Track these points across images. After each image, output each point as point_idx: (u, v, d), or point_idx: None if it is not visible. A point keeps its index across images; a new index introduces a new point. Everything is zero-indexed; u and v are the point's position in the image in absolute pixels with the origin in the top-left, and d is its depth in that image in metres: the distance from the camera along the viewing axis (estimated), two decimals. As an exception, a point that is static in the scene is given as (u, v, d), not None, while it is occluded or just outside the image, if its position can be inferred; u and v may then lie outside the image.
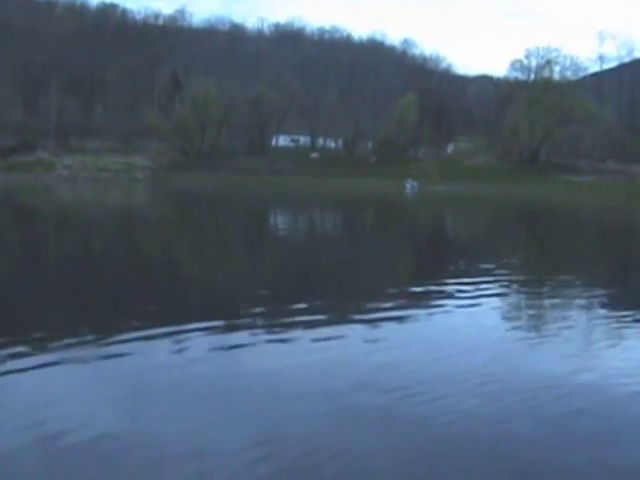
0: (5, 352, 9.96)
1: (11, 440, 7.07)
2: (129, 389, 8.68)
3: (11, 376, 9.02)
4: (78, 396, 8.41)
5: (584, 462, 6.98)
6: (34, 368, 9.33)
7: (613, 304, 15.82)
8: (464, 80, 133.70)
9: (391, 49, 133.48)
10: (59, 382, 8.94)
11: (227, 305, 14.30)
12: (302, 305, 14.21)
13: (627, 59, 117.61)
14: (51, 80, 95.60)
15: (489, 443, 7.35)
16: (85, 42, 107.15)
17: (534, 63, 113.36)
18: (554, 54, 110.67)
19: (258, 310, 13.53)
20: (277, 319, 12.73)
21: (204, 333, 11.36)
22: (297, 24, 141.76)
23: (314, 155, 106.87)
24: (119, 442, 7.10)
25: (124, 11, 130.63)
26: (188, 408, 8.08)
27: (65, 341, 10.62)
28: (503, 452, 7.13)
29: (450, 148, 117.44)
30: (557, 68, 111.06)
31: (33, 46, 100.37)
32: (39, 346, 10.37)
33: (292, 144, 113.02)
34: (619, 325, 13.18)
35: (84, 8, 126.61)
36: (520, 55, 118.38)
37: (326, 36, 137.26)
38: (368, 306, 14.34)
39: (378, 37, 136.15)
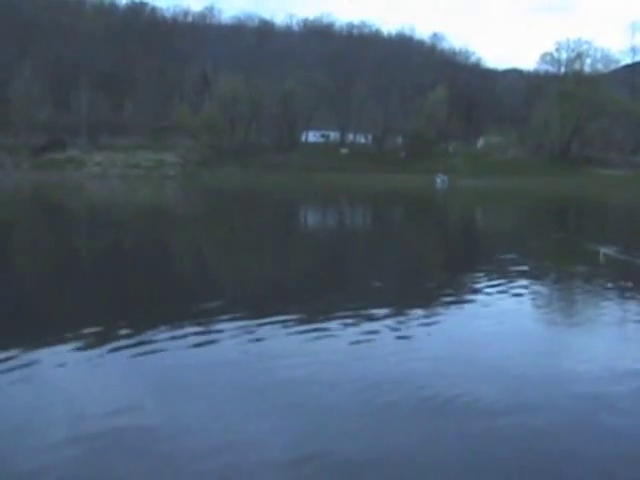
0: (44, 346, 10.04)
1: (50, 429, 7.16)
2: (163, 384, 8.72)
3: (49, 370, 9.10)
4: (113, 390, 8.46)
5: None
6: (71, 362, 9.43)
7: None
8: (494, 74, 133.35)
9: (420, 43, 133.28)
10: (96, 376, 8.97)
11: (259, 302, 14.15)
12: (334, 301, 14.09)
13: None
14: (81, 78, 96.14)
15: (520, 439, 7.25)
16: (115, 40, 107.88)
17: (565, 56, 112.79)
18: (585, 47, 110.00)
19: (290, 307, 13.39)
20: (309, 316, 12.59)
21: (237, 330, 11.26)
22: (326, 19, 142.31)
23: (344, 150, 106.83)
24: (152, 435, 7.18)
25: (153, 9, 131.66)
26: (220, 403, 8.09)
27: (100, 337, 10.68)
28: (537, 448, 7.02)
29: (480, 142, 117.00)
30: (588, 61, 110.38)
31: (63, 44, 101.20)
32: (75, 341, 10.41)
33: (322, 139, 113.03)
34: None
35: (113, 6, 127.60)
36: (550, 48, 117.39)
37: (355, 31, 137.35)
38: (399, 302, 14.17)
39: (407, 31, 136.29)
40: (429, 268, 20.71)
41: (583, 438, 7.27)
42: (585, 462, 6.73)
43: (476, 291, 15.28)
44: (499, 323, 12.24)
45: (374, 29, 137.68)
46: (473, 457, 6.79)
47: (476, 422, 7.59)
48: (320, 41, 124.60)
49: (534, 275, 17.98)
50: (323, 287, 16.61)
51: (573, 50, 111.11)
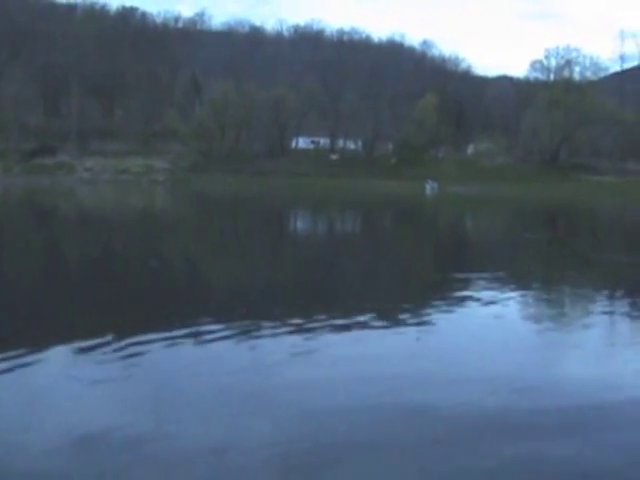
0: (31, 353, 9.95)
1: (41, 432, 7.21)
2: (153, 391, 8.68)
3: (38, 375, 9.09)
4: (103, 398, 8.44)
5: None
6: (62, 366, 9.46)
7: (636, 303, 15.56)
8: (483, 81, 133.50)
9: (410, 50, 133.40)
10: (84, 385, 8.87)
11: (250, 308, 14.10)
12: (325, 308, 14.03)
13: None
14: (72, 83, 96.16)
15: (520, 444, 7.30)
16: (105, 45, 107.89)
17: (554, 63, 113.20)
18: (574, 54, 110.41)
19: (284, 312, 13.37)
20: (300, 321, 12.51)
21: (227, 336, 11.21)
22: (316, 26, 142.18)
23: (334, 157, 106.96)
24: (142, 442, 7.14)
25: (144, 14, 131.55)
26: (214, 407, 8.09)
27: (91, 341, 10.58)
28: (533, 453, 7.02)
29: (470, 149, 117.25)
30: (577, 68, 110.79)
31: (54, 49, 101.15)
32: (67, 345, 10.39)
33: (312, 146, 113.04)
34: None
35: (104, 12, 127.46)
36: (540, 55, 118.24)
37: (345, 38, 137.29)
38: (391, 310, 14.12)
39: (397, 38, 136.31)
40: (419, 274, 20.81)
41: (583, 446, 7.18)
42: (584, 467, 6.71)
43: (467, 297, 15.27)
44: (490, 327, 12.38)
45: (364, 36, 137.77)
46: (462, 461, 6.78)
47: (467, 427, 7.61)
48: (311, 47, 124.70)
49: (525, 279, 18.09)
50: (313, 293, 16.65)
51: (562, 57, 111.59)
